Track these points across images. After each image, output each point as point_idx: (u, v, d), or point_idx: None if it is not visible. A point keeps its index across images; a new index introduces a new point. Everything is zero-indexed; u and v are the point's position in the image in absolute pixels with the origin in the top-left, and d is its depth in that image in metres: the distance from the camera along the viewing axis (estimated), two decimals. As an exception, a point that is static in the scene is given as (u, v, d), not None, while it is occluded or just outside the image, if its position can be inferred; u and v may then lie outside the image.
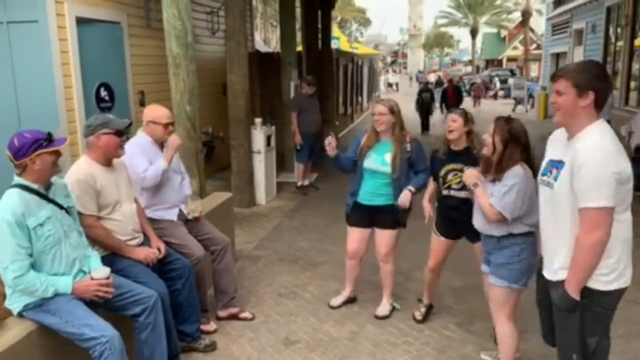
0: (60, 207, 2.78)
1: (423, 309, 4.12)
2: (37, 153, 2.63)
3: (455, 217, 3.63)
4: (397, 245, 4.13)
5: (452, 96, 15.80)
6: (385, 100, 3.99)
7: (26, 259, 2.60)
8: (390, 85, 38.34)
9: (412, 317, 4.10)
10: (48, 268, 2.70)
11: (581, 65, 2.40)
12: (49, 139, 2.67)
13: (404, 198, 3.84)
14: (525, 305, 3.36)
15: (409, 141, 3.91)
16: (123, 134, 3.19)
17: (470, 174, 3.13)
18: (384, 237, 4.06)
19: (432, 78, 34.50)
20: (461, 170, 3.45)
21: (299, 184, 8.37)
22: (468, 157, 3.53)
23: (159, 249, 3.39)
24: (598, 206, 2.19)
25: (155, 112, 3.68)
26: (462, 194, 3.55)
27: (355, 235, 4.17)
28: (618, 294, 2.37)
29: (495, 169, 2.99)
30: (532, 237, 2.99)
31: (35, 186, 2.68)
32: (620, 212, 2.28)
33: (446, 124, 3.66)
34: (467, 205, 3.34)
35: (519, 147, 2.95)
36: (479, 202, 3.04)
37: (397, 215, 3.95)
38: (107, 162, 3.20)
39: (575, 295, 2.31)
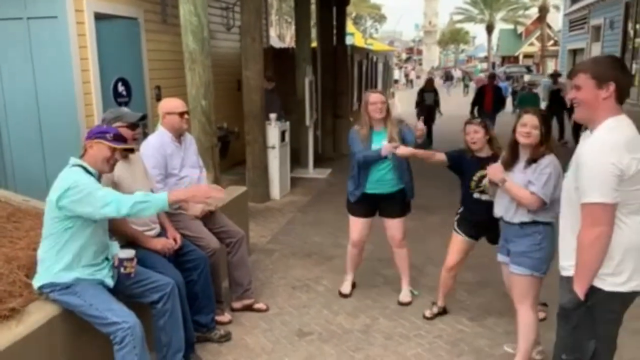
0: None
1: (435, 309, 4.07)
2: (97, 140, 2.79)
3: (483, 220, 3.57)
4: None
5: (490, 100, 11.05)
6: (376, 90, 4.23)
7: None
8: (396, 81, 37.69)
9: (422, 315, 4.07)
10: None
11: (598, 58, 2.36)
12: (117, 137, 2.84)
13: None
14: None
15: (401, 124, 4.10)
16: (137, 126, 3.27)
17: (496, 170, 3.14)
18: (396, 225, 4.18)
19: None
20: None
21: None
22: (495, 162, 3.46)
23: (175, 240, 3.45)
24: (596, 202, 2.12)
25: (170, 103, 3.79)
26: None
27: (359, 225, 4.29)
28: (626, 297, 2.27)
29: (527, 159, 3.04)
30: (551, 227, 3.04)
31: (92, 170, 2.81)
32: (628, 213, 2.18)
33: (467, 134, 3.62)
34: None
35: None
36: (514, 194, 3.04)
37: (404, 199, 4.11)
38: (123, 155, 3.26)
39: (581, 294, 2.23)
